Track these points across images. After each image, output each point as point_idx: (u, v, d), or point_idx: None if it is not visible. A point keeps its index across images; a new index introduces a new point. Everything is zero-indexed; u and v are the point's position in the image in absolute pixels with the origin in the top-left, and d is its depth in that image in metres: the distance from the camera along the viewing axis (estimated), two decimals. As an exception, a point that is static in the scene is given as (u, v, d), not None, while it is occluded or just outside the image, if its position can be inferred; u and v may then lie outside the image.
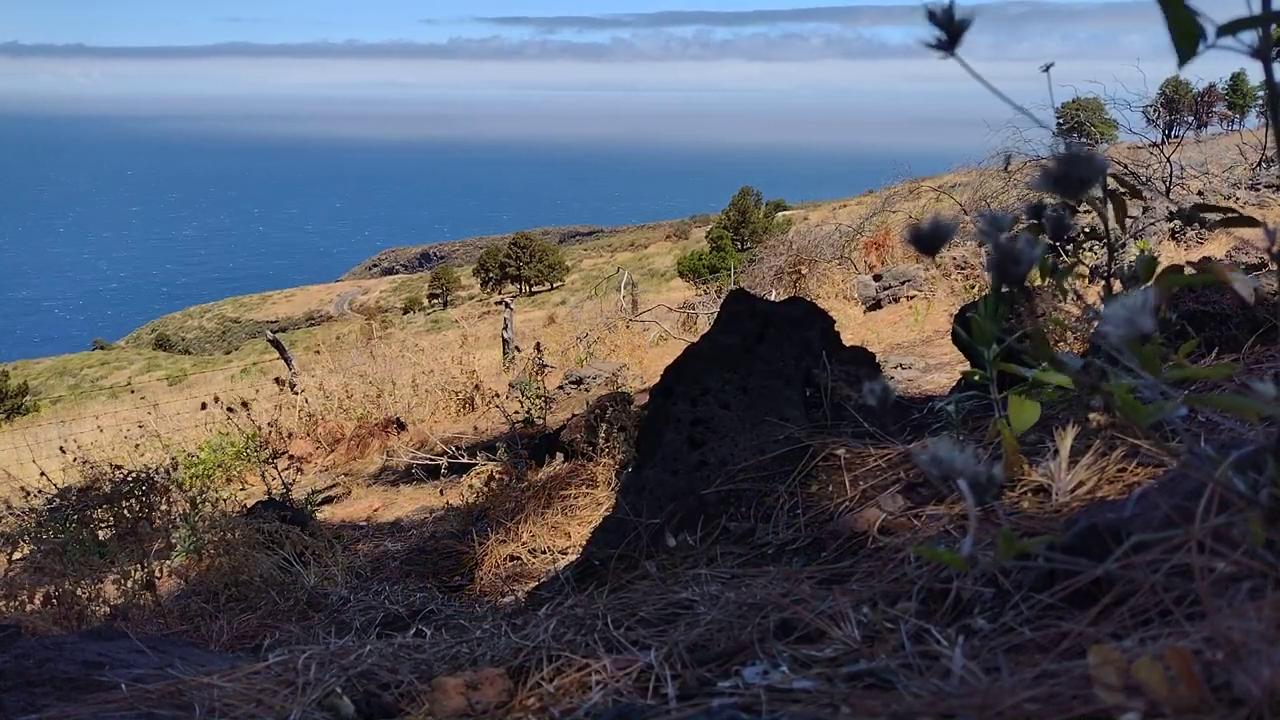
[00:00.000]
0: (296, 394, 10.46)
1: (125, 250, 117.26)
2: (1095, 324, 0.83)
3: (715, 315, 3.04)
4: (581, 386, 9.02)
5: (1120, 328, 0.79)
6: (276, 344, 12.20)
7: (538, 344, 10.49)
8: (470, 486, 5.87)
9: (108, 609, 4.07)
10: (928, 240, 0.85)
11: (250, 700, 1.33)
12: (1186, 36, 0.83)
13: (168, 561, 4.66)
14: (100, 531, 4.77)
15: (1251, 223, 1.36)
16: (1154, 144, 14.72)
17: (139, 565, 4.39)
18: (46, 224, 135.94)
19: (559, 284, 59.58)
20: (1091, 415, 1.61)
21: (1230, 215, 1.43)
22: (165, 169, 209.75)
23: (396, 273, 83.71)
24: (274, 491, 6.60)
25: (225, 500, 6.02)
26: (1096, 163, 0.83)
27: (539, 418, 7.09)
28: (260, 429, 9.11)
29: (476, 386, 9.95)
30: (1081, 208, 1.25)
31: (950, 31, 0.86)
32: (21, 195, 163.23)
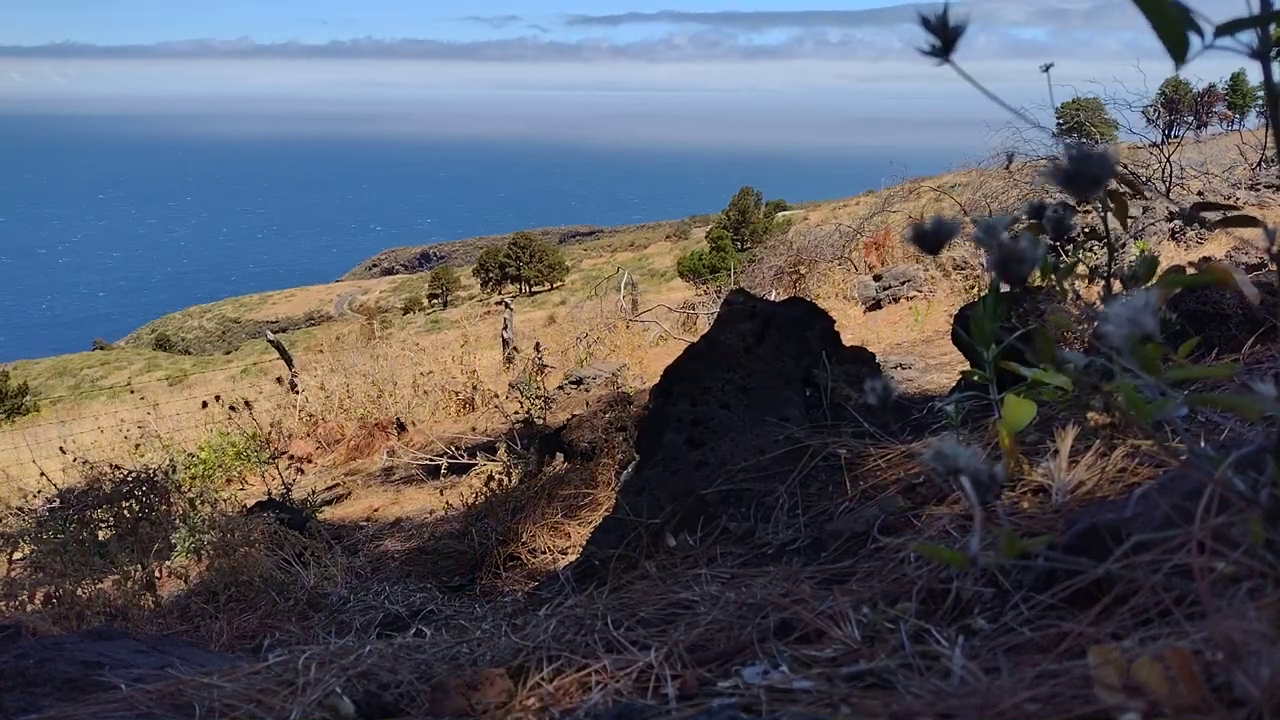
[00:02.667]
0: (297, 394, 10.46)
1: (124, 249, 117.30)
2: (1095, 324, 0.83)
3: (715, 315, 3.04)
4: (581, 386, 9.01)
5: (1123, 327, 0.79)
6: (277, 345, 12.19)
7: (537, 344, 10.49)
8: (470, 487, 5.87)
9: (108, 609, 4.07)
10: (930, 239, 0.85)
11: (250, 700, 1.33)
12: (1176, 40, 0.82)
13: (168, 561, 4.66)
14: (100, 531, 4.78)
15: (1252, 221, 1.36)
16: (1154, 144, 14.70)
17: (139, 565, 4.39)
18: (41, 222, 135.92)
19: (559, 284, 59.53)
20: (1092, 415, 1.61)
21: (1231, 214, 1.43)
22: (158, 168, 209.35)
23: (396, 273, 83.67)
24: (274, 492, 6.59)
25: (225, 500, 6.02)
26: (1108, 161, 0.82)
27: (539, 418, 7.08)
28: (260, 429, 9.11)
29: (476, 387, 9.95)
30: (1082, 207, 1.25)
31: (945, 38, 0.85)
32: (16, 195, 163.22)
